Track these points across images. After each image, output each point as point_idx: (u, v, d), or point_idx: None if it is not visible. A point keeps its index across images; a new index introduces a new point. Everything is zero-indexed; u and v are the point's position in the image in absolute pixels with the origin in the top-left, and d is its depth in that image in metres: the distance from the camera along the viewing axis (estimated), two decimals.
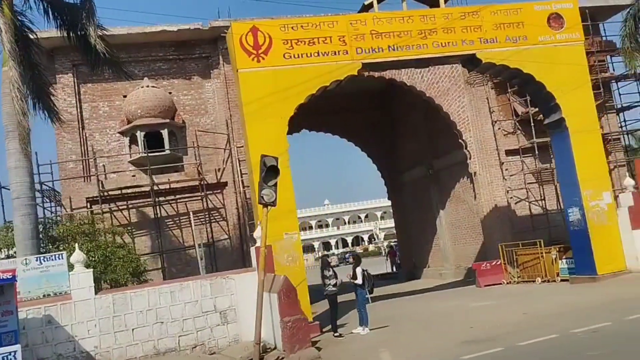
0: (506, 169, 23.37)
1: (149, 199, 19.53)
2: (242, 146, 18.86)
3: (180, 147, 20.42)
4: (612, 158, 24.06)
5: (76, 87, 20.09)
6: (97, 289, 12.43)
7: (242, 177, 20.34)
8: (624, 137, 25.31)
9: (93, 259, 14.02)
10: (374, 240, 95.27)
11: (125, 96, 20.25)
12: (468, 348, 9.61)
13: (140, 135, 19.60)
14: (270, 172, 12.23)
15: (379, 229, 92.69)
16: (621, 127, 25.32)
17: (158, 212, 19.76)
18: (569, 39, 17.55)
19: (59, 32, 15.27)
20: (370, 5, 18.33)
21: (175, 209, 20.30)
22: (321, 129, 31.49)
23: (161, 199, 20.03)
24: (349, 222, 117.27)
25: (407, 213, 31.27)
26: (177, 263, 19.91)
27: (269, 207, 12.23)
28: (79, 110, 20.02)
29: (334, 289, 13.19)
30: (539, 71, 17.24)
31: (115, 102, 20.46)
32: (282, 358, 10.84)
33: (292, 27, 15.98)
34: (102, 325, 11.74)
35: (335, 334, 12.80)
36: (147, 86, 20.03)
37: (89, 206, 19.37)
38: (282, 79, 15.68)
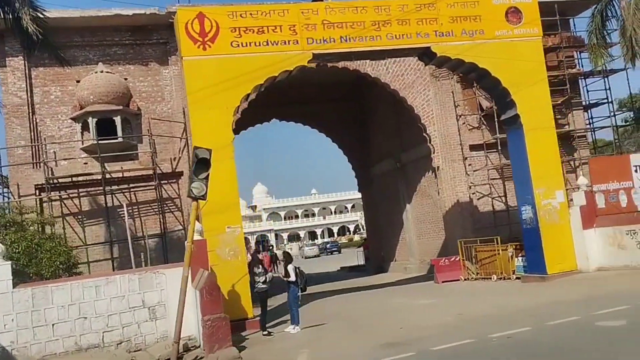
0: (470, 164, 23.11)
1: (100, 188, 19.11)
2: None
3: (134, 135, 19.98)
4: (577, 155, 23.88)
5: (27, 71, 19.56)
6: (19, 282, 12.05)
7: None
8: (592, 134, 25.07)
9: (17, 250, 13.60)
10: (359, 230, 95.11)
11: (78, 81, 19.76)
12: (384, 352, 9.34)
13: (92, 121, 19.16)
14: (201, 164, 11.86)
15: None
16: (589, 124, 25.08)
17: (110, 201, 19.35)
18: (527, 34, 17.20)
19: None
20: None
21: (129, 198, 19.89)
22: (292, 119, 31.16)
23: (114, 187, 19.61)
24: (335, 212, 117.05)
25: (377, 206, 30.99)
26: (129, 254, 19.52)
27: (199, 200, 11.86)
28: (29, 94, 19.50)
29: (263, 286, 12.87)
30: (494, 66, 16.91)
31: (69, 87, 19.94)
32: (202, 358, 10.54)
33: (240, 15, 15.56)
34: (20, 320, 11.37)
35: (264, 333, 12.49)
36: (101, 71, 19.56)
37: (37, 193, 18.96)
38: (229, 68, 15.27)
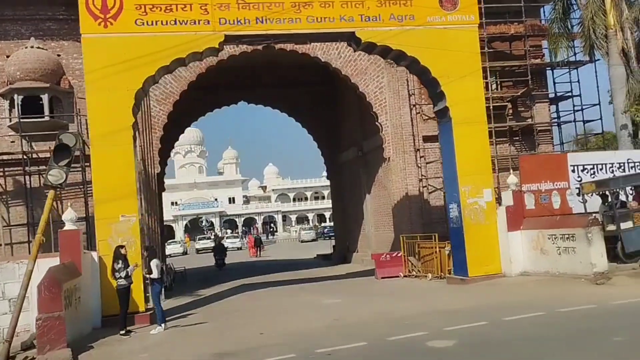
0: (422, 156, 22.11)
1: (27, 167, 18.59)
2: None
3: (63, 114, 19.35)
4: (539, 150, 22.69)
5: None
6: None
7: None
8: (558, 128, 23.82)
9: None
10: None
11: (8, 56, 19.18)
12: None
13: (17, 99, 18.58)
14: (63, 150, 11.19)
15: None
16: (557, 117, 23.87)
17: (36, 182, 18.81)
18: (461, 21, 16.10)
19: None
20: None
21: None
22: (261, 102, 30.35)
23: (42, 167, 19.04)
24: None
25: (343, 195, 30.16)
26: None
27: (57, 189, 11.21)
28: None
29: (124, 282, 12.15)
30: (424, 55, 15.90)
31: None
32: (33, 358, 9.91)
33: None
34: None
35: (122, 332, 11.80)
36: (32, 47, 18.93)
37: None
38: (132, 48, 14.50)
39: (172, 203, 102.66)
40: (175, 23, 14.80)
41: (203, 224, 79.81)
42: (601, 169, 16.64)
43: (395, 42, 15.74)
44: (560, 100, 23.64)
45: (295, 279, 21.99)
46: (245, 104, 30.14)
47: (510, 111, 22.38)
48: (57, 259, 12.11)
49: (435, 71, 15.97)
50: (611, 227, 14.46)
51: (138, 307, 13.78)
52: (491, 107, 20.94)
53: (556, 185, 16.14)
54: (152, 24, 14.68)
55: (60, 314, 9.98)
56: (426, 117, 22.23)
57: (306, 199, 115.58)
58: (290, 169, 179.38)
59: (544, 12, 23.33)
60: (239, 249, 54.85)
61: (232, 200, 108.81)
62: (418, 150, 22.00)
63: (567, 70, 22.56)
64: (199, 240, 60.15)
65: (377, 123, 22.06)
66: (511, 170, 17.57)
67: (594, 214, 14.37)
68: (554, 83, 23.24)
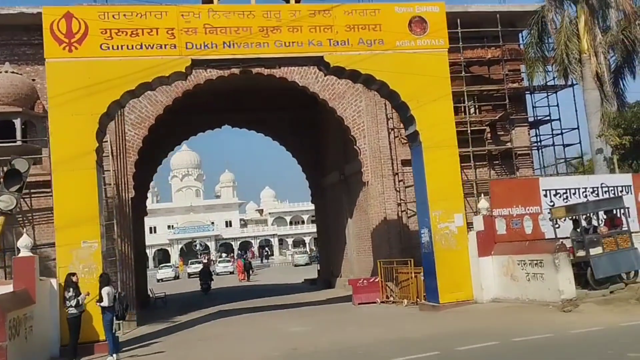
0: (401, 180, 21.94)
1: None
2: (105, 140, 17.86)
3: (36, 139, 19.24)
4: (519, 174, 22.52)
5: None
6: None
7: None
8: (539, 151, 23.67)
9: None
10: None
11: None
12: None
13: None
14: (14, 176, 11.04)
15: None
16: (538, 141, 23.74)
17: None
18: (431, 46, 16.06)
19: None
20: None
21: (29, 205, 19.16)
22: (245, 126, 30.27)
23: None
24: None
25: (327, 219, 29.91)
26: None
27: (7, 215, 11.03)
28: None
29: (74, 311, 11.89)
30: (393, 79, 15.84)
31: None
32: None
33: (113, 16, 14.71)
34: None
35: None
36: (6, 71, 18.90)
37: None
38: (97, 72, 14.44)
39: (169, 227, 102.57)
40: (141, 47, 14.75)
41: (197, 247, 79.27)
42: (574, 194, 16.46)
43: (364, 66, 15.68)
44: (540, 124, 23.55)
45: (274, 304, 21.72)
46: (229, 127, 30.03)
47: (489, 135, 22.26)
48: (10, 286, 11.88)
49: (405, 95, 15.89)
50: (581, 253, 14.23)
51: (98, 335, 13.51)
52: (469, 131, 20.97)
53: (528, 210, 15.94)
54: (117, 48, 14.63)
55: (2, 345, 9.72)
56: (405, 141, 21.98)
57: (303, 222, 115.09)
58: (287, 192, 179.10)
59: (522, 36, 23.33)
60: (231, 272, 54.40)
61: (229, 224, 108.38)
62: (397, 174, 21.83)
63: (545, 94, 22.47)
64: (190, 264, 59.64)
65: (355, 147, 21.93)
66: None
67: (561, 240, 14.14)
68: (533, 107, 23.17)
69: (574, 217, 14.96)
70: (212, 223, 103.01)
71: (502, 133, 22.89)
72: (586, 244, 14.09)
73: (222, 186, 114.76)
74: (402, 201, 21.80)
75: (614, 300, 13.35)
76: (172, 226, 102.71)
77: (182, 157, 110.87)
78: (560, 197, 16.34)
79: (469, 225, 16.53)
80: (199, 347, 12.99)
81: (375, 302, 19.44)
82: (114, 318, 11.93)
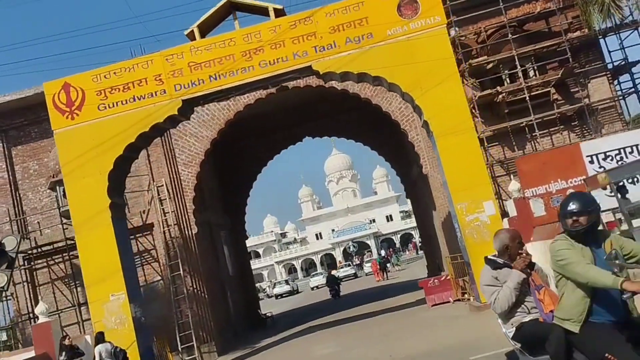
0: None
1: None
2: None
3: None
4: (604, 131, 19.79)
5: (5, 151, 21.01)
6: None
7: None
8: (623, 103, 20.65)
9: None
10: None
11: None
12: None
13: (59, 190, 20.13)
14: (2, 254, 11.87)
15: None
16: (621, 90, 20.78)
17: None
18: (426, 26, 14.74)
19: None
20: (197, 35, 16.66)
21: None
22: (325, 134, 30.03)
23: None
24: None
25: (421, 213, 28.67)
26: None
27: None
28: (9, 173, 20.93)
29: None
30: (388, 72, 14.77)
31: (44, 159, 21.13)
32: None
33: (104, 76, 15.32)
34: None
35: None
36: None
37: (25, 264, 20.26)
38: (99, 133, 15.13)
39: (333, 230, 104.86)
40: (134, 100, 15.19)
41: (350, 249, 79.65)
42: (631, 152, 14.08)
43: (356, 66, 14.81)
44: (624, 71, 20.57)
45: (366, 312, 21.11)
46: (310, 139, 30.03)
47: (555, 96, 19.88)
48: (32, 352, 12.76)
49: (406, 86, 14.74)
50: (624, 227, 12.12)
51: None
52: (527, 97, 18.90)
53: (572, 182, 13.89)
54: (113, 106, 15.20)
55: None
56: None
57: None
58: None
59: None
60: (355, 275, 54.18)
61: (390, 218, 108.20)
62: None
63: (617, 36, 19.58)
64: (312, 277, 57.71)
65: (409, 141, 20.79)
66: None
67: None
68: (609, 52, 20.32)
69: (618, 183, 12.75)
70: (373, 221, 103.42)
71: (577, 89, 20.34)
72: (626, 216, 11.95)
73: (377, 182, 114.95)
74: None
75: None
76: (334, 230, 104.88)
77: (334, 161, 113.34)
78: (612, 159, 14.05)
79: None
80: None
81: (448, 302, 18.27)
82: None
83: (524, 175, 13.94)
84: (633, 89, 20.12)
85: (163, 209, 20.28)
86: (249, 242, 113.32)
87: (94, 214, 14.74)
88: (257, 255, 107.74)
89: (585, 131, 20.00)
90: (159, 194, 20.36)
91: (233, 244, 28.41)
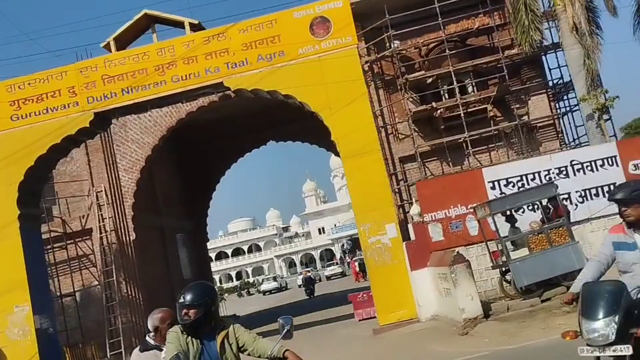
0: (401, 179, 20.16)
1: None
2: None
3: (45, 198, 20.70)
4: (542, 149, 19.56)
5: None
6: None
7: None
8: (560, 121, 20.41)
9: None
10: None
11: None
12: None
13: None
14: None
15: None
16: (558, 108, 20.53)
17: None
18: (337, 46, 14.68)
19: None
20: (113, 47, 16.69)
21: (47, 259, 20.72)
22: (289, 138, 29.96)
23: None
24: None
25: None
26: None
27: None
28: None
29: None
30: (299, 90, 14.72)
31: None
32: None
33: (19, 87, 15.39)
34: None
35: None
36: None
37: None
38: (11, 144, 15.20)
39: (335, 225, 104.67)
40: (47, 111, 15.27)
41: (344, 247, 79.20)
42: (533, 179, 14.00)
43: (266, 83, 14.79)
44: (563, 90, 20.32)
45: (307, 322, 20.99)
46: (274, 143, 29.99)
47: (492, 113, 19.67)
48: None
49: (315, 105, 14.71)
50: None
51: None
52: (461, 114, 18.73)
53: (471, 208, 13.82)
54: (26, 117, 15.29)
55: None
56: (402, 136, 20.35)
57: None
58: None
59: None
60: (343, 274, 53.78)
61: None
62: (394, 174, 20.15)
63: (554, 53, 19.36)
64: (299, 275, 54.78)
65: None
66: None
67: (457, 250, 12.03)
68: (549, 70, 20.09)
69: (505, 213, 12.69)
70: None
71: (517, 106, 20.12)
72: (504, 247, 11.89)
73: None
74: (405, 201, 20.09)
75: (538, 312, 11.17)
76: (336, 225, 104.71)
77: (335, 159, 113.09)
78: (514, 186, 13.99)
79: None
80: None
81: (375, 317, 18.17)
82: None
83: (424, 199, 13.91)
84: (569, 108, 19.89)
85: (101, 215, 20.37)
86: (249, 236, 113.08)
87: (1, 226, 14.84)
88: (258, 249, 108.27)
89: (524, 149, 19.81)
90: (98, 200, 20.45)
91: (192, 246, 28.49)
